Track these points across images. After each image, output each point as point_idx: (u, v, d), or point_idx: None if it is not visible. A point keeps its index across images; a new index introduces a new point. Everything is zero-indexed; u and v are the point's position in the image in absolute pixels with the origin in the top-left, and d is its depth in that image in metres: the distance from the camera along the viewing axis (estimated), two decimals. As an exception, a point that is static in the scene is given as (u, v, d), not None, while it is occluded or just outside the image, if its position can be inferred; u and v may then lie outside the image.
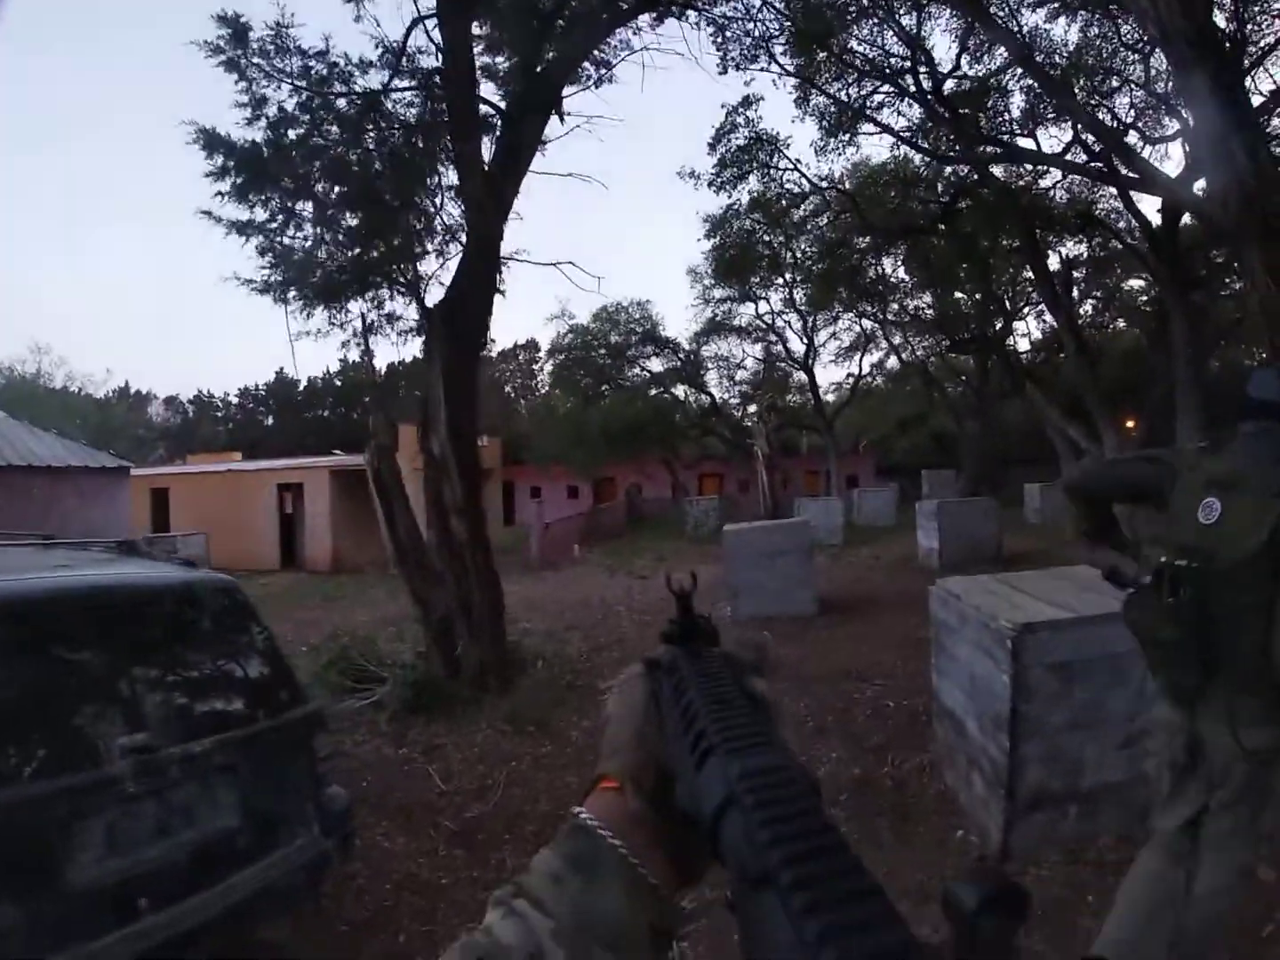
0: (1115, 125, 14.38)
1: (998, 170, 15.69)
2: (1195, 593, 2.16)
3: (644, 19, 8.79)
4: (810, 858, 0.35)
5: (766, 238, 20.61)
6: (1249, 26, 11.17)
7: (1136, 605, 2.44)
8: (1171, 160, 13.33)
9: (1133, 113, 14.79)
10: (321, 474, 21.44)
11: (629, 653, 8.50)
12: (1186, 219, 13.97)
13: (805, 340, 28.46)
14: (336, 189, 7.65)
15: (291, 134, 7.49)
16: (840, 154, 15.36)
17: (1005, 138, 15.49)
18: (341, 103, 7.61)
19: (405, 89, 7.79)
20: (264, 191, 7.33)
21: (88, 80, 78.30)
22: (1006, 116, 14.51)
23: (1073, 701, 3.50)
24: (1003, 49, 12.92)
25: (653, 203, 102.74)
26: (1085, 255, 19.92)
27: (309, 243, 7.64)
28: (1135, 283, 22.64)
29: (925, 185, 17.44)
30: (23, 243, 75.32)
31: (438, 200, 8.05)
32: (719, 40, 12.47)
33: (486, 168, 7.21)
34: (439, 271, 8.12)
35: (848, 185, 18.09)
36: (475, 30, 7.60)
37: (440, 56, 7.38)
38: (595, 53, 8.51)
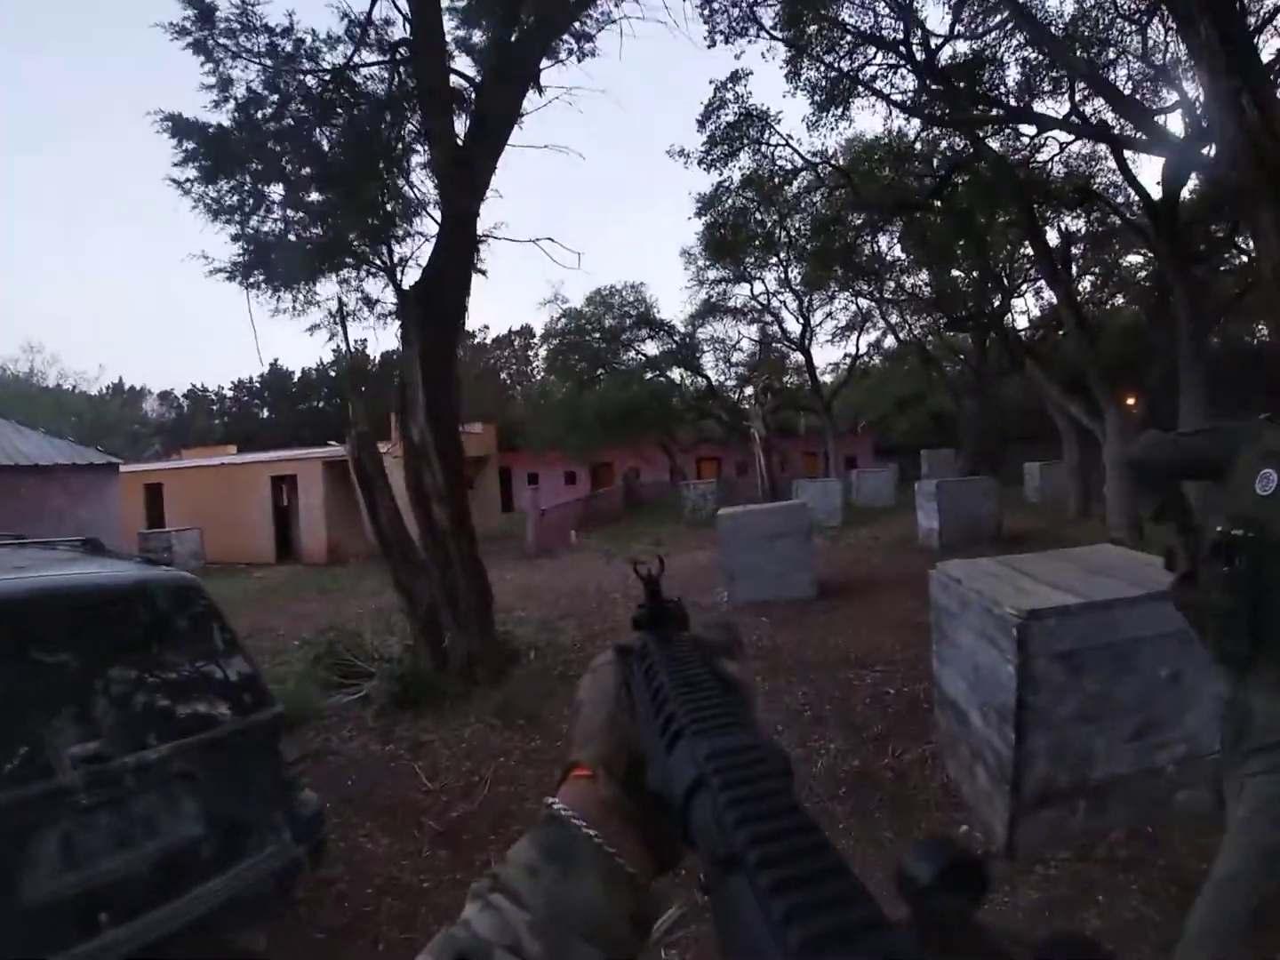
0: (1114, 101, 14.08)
1: (994, 144, 15.41)
2: (1250, 562, 2.17)
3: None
4: (777, 837, 0.34)
5: (760, 216, 20.33)
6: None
7: (1185, 585, 2.44)
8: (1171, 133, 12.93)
9: (1130, 85, 14.48)
10: (315, 465, 21.19)
11: (623, 641, 8.32)
12: (1186, 193, 13.75)
13: (801, 320, 28.23)
14: (304, 168, 7.40)
15: (258, 114, 7.26)
16: (833, 129, 15.05)
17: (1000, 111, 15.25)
18: (311, 80, 7.36)
19: (373, 64, 7.56)
20: (231, 174, 7.09)
21: (72, 76, 77.47)
22: (1002, 89, 14.20)
23: (1081, 692, 3.31)
24: (997, 17, 12.65)
25: (647, 186, 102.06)
26: (1084, 230, 19.66)
27: (278, 224, 7.40)
28: (1134, 258, 22.36)
29: (920, 159, 17.12)
30: (10, 240, 74.68)
31: (412, 177, 7.81)
32: (706, 11, 12.17)
33: (461, 142, 6.97)
34: (417, 253, 7.88)
35: (841, 161, 17.80)
36: (446, 1, 7.35)
37: (408, 26, 7.16)
38: (576, 25, 8.23)
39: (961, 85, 13.03)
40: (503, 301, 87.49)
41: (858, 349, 30.06)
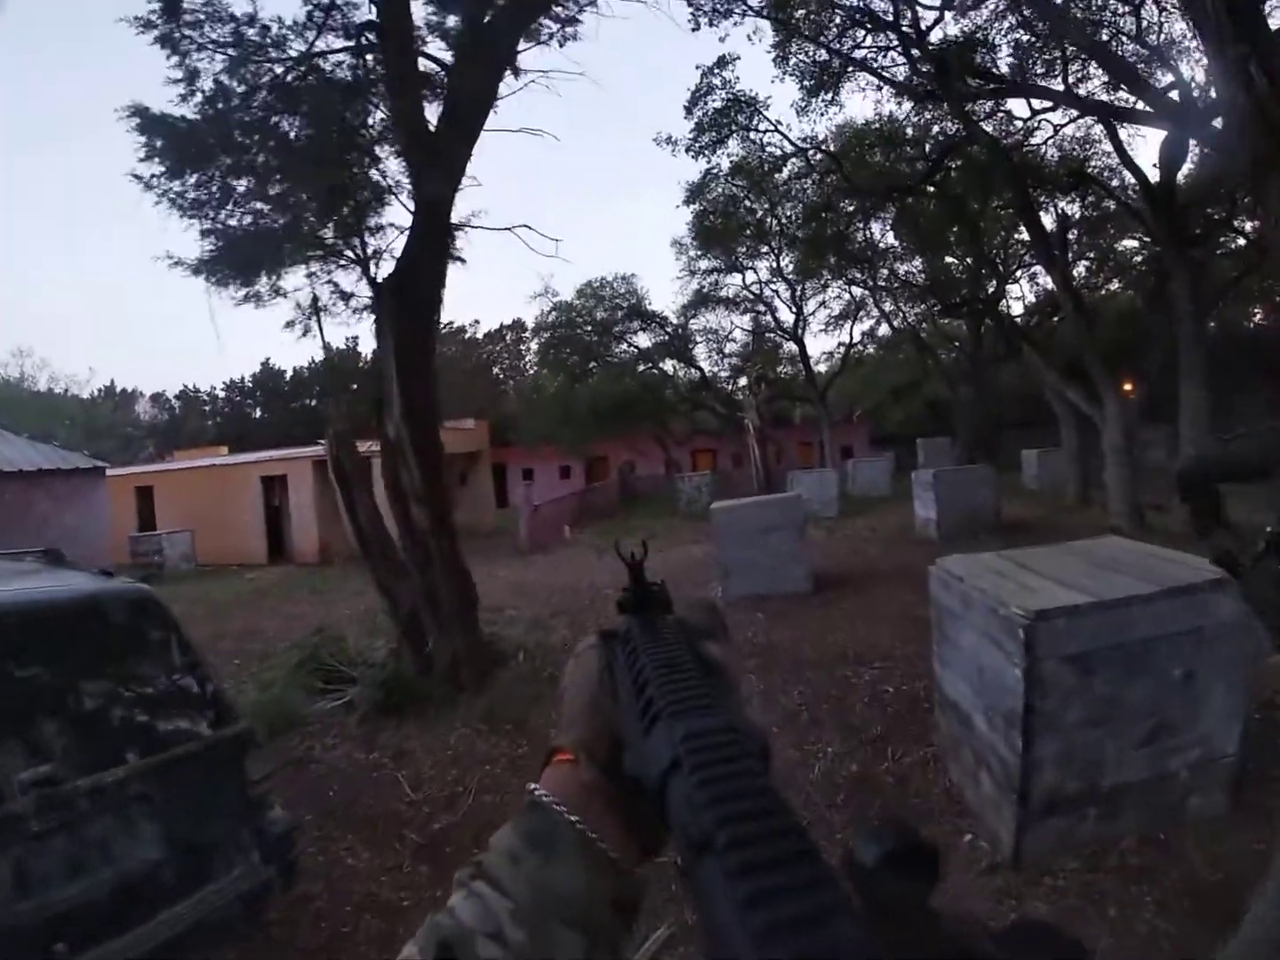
0: (1107, 82, 13.90)
1: (987, 128, 15.19)
2: None
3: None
4: (747, 819, 0.34)
5: (750, 204, 20.10)
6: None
7: (1253, 577, 2.42)
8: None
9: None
10: (305, 464, 20.95)
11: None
12: (1182, 177, 13.55)
13: (794, 309, 27.98)
14: (271, 158, 7.19)
15: (224, 105, 7.07)
16: (823, 114, 14.86)
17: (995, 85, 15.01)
18: (278, 69, 7.15)
19: (339, 50, 7.33)
20: (198, 167, 6.88)
21: (59, 74, 76.70)
22: (995, 72, 13.98)
23: (1091, 695, 3.13)
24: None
25: (638, 175, 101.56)
26: (1079, 215, 19.50)
27: (245, 216, 7.19)
28: (1129, 243, 22.19)
29: (912, 144, 16.91)
30: (-1, 243, 73.94)
31: (384, 165, 7.59)
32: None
33: (433, 128, 6.74)
34: (392, 246, 7.66)
35: (832, 148, 17.55)
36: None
37: (373, 9, 6.93)
38: (558, 9, 7.99)
39: (954, 68, 12.79)
40: (495, 295, 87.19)
41: (851, 337, 29.83)
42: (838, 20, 13.19)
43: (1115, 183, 17.13)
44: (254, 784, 3.29)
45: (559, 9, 7.98)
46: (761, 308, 29.14)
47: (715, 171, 17.50)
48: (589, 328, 29.57)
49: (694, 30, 12.36)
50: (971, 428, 24.65)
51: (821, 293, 27.45)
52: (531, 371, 41.19)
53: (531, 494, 19.98)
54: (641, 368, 30.85)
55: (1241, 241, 17.60)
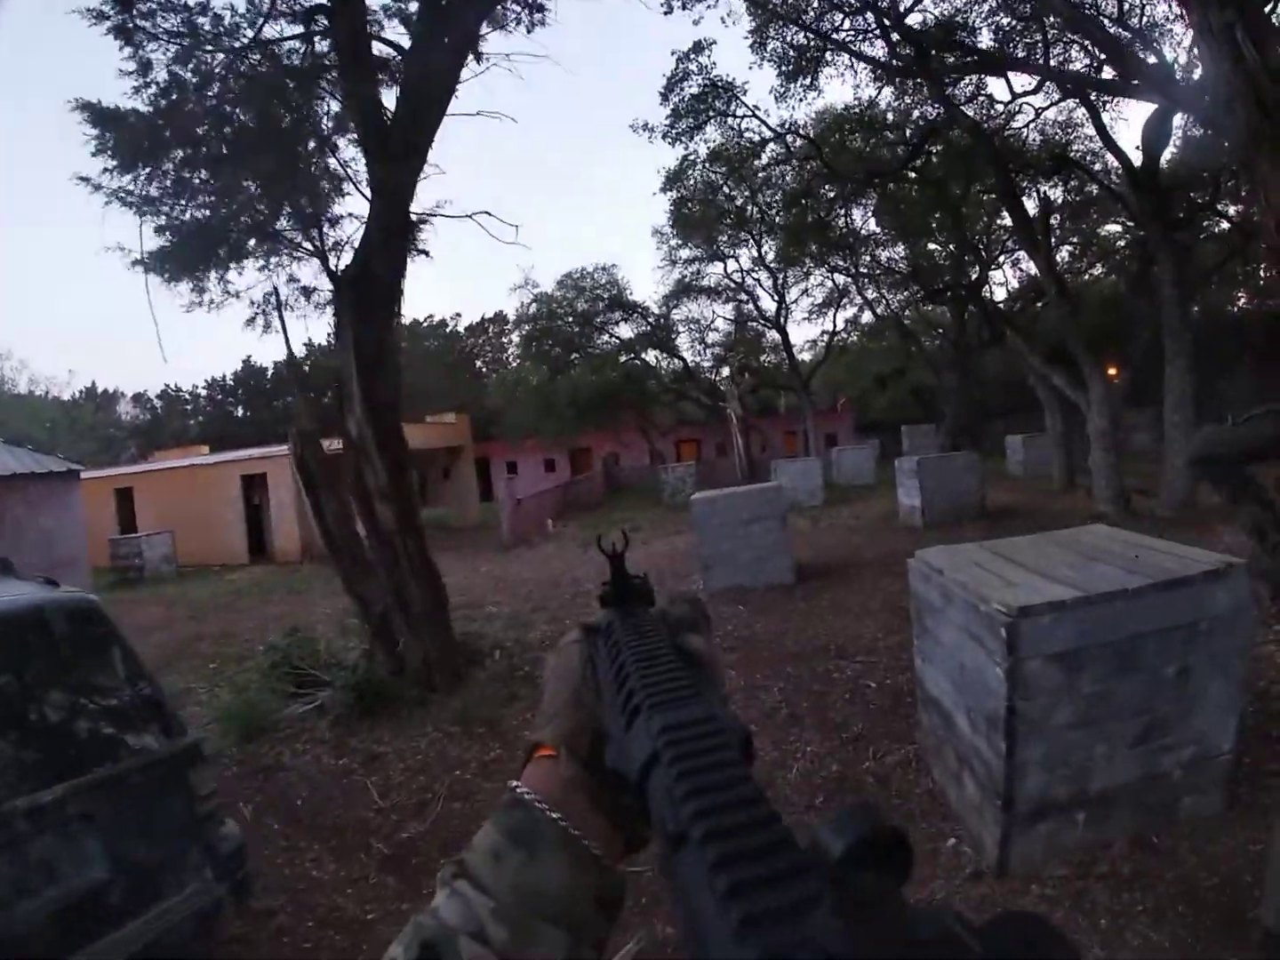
0: (1089, 64, 13.74)
1: (968, 112, 14.99)
2: None
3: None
4: (725, 810, 0.34)
5: (730, 191, 19.86)
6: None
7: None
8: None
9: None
10: (284, 463, 20.51)
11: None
12: (1165, 161, 13.43)
13: (776, 298, 27.75)
14: (224, 148, 6.95)
15: (175, 96, 6.86)
16: (802, 99, 14.63)
17: (974, 78, 14.83)
18: (228, 57, 6.92)
19: (291, 38, 7.06)
20: (149, 160, 6.65)
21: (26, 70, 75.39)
22: (975, 47, 13.75)
23: (1078, 695, 2.95)
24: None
25: (620, 164, 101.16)
26: (1062, 200, 19.39)
27: (196, 209, 6.95)
28: (1113, 228, 22.11)
29: (892, 129, 16.70)
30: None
31: (341, 154, 7.34)
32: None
33: (391, 114, 6.50)
34: (353, 238, 7.42)
35: (811, 134, 17.32)
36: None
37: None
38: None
39: (934, 52, 12.57)
40: (478, 288, 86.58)
41: (834, 325, 29.62)
42: (815, 3, 12.94)
43: (1098, 166, 17.01)
44: (203, 799, 3.19)
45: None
46: (744, 297, 28.89)
47: (692, 158, 17.26)
48: (570, 319, 29.30)
49: (666, 14, 12.09)
50: (956, 414, 24.54)
51: (804, 280, 27.24)
52: (515, 364, 40.85)
53: (514, 487, 19.75)
54: (624, 358, 30.58)
55: (1226, 225, 17.54)
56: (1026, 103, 15.40)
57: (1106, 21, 13.39)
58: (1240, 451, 2.81)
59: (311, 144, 7.15)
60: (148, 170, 6.82)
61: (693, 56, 14.46)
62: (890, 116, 16.68)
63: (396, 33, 7.50)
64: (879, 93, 15.74)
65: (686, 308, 29.73)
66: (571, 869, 0.50)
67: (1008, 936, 0.26)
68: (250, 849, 4.40)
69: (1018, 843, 3.10)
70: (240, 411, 52.20)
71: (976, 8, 13.44)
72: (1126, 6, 13.03)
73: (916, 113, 16.34)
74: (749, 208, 21.13)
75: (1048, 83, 14.15)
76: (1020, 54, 14.10)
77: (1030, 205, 16.16)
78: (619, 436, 32.57)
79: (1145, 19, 13.35)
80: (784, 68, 13.90)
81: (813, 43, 13.32)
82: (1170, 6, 12.67)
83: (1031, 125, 16.66)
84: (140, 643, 10.96)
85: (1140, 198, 12.36)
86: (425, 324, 49.44)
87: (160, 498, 22.01)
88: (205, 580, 17.75)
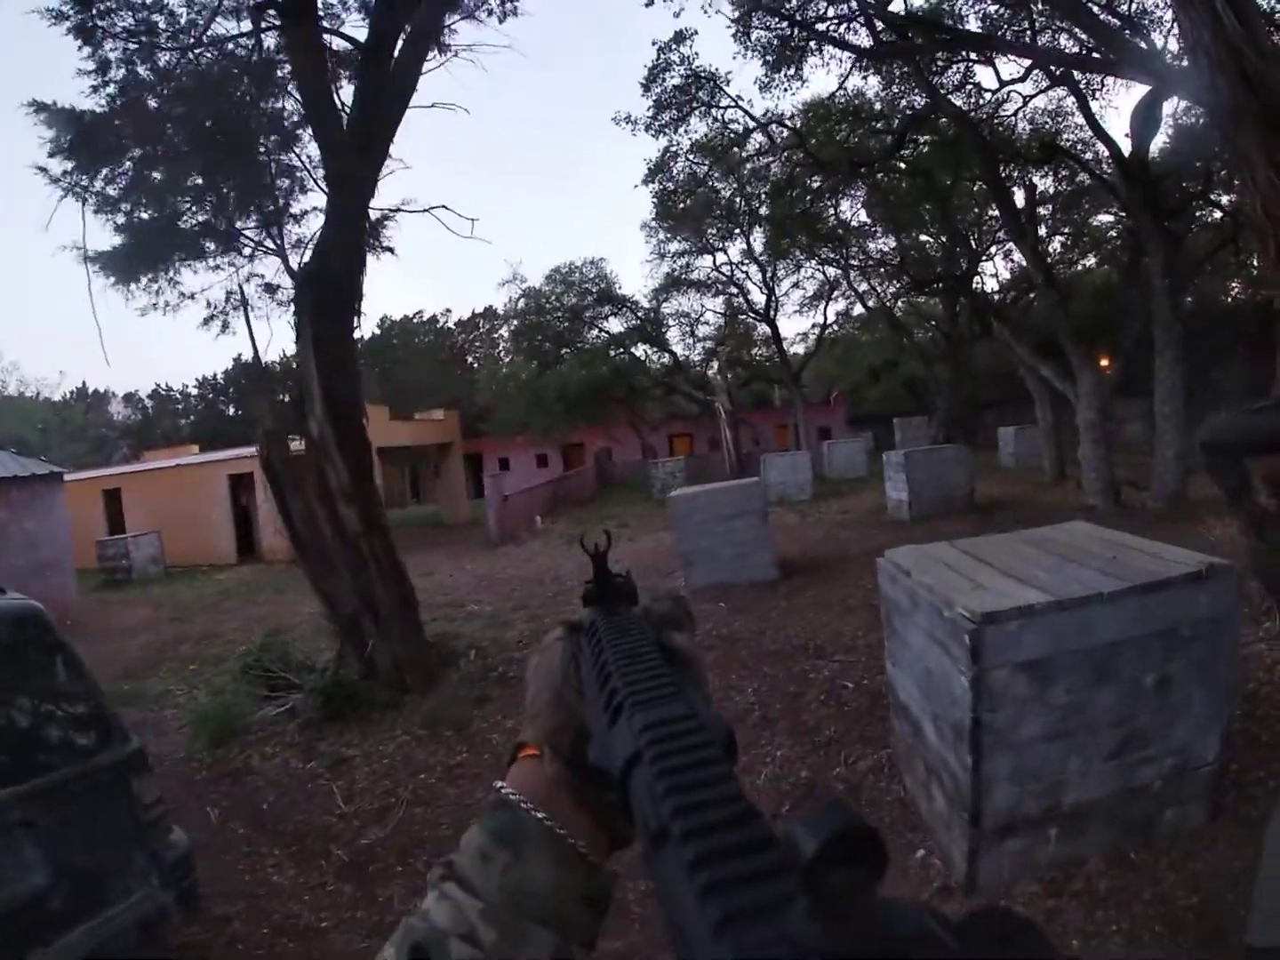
0: (1078, 49, 13.53)
1: (956, 101, 14.78)
2: None
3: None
4: (705, 807, 0.34)
5: (718, 185, 19.65)
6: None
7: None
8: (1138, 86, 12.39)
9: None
10: (269, 461, 20.52)
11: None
12: (1156, 149, 13.29)
13: (765, 291, 27.52)
14: (177, 145, 6.79)
15: (132, 94, 6.76)
16: (786, 89, 14.36)
17: (961, 66, 14.63)
18: (176, 55, 6.79)
19: (241, 35, 6.89)
20: (102, 160, 6.50)
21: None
22: (960, 29, 13.53)
23: (1050, 706, 2.77)
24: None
25: (610, 160, 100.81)
26: (1053, 190, 19.20)
27: (150, 207, 6.79)
28: (1104, 218, 21.97)
29: (879, 118, 16.48)
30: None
31: (300, 150, 7.17)
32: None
33: (349, 108, 6.32)
34: (317, 233, 7.23)
35: (799, 124, 17.07)
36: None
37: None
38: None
39: (920, 43, 12.35)
40: (468, 284, 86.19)
41: (825, 318, 29.41)
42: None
43: (1089, 156, 16.83)
44: (147, 806, 3.19)
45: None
46: (733, 290, 28.68)
47: (675, 150, 17.02)
48: (559, 314, 29.07)
49: (648, 4, 11.84)
50: (949, 406, 24.40)
51: (795, 273, 27.02)
52: (506, 359, 40.62)
53: (501, 484, 19.54)
54: (613, 353, 30.36)
55: (1219, 215, 17.39)
56: (1014, 90, 15.22)
57: (1095, 8, 13.24)
58: (1247, 441, 2.73)
59: (270, 140, 6.97)
60: (104, 169, 6.68)
61: (674, 47, 14.20)
62: (878, 106, 16.48)
63: (355, 26, 7.33)
64: (865, 81, 15.54)
65: (676, 301, 29.52)
66: (558, 868, 0.50)
67: (984, 932, 0.25)
68: (213, 854, 4.38)
69: (986, 858, 2.94)
70: (232, 410, 52.02)
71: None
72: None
73: (904, 102, 16.15)
74: (736, 199, 20.90)
75: (1035, 70, 13.93)
76: (1008, 40, 13.92)
77: (1019, 194, 16.02)
78: (611, 431, 32.41)
79: (1135, 4, 13.18)
80: (768, 58, 13.67)
81: (796, 33, 13.08)
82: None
83: (1020, 114, 16.50)
84: (124, 644, 10.86)
85: (1130, 187, 12.18)
86: (415, 319, 49.22)
87: (148, 498, 21.88)
88: (192, 581, 17.67)
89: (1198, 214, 17.27)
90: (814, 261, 25.09)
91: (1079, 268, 25.39)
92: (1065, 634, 2.74)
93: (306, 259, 7.09)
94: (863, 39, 13.19)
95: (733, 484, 9.97)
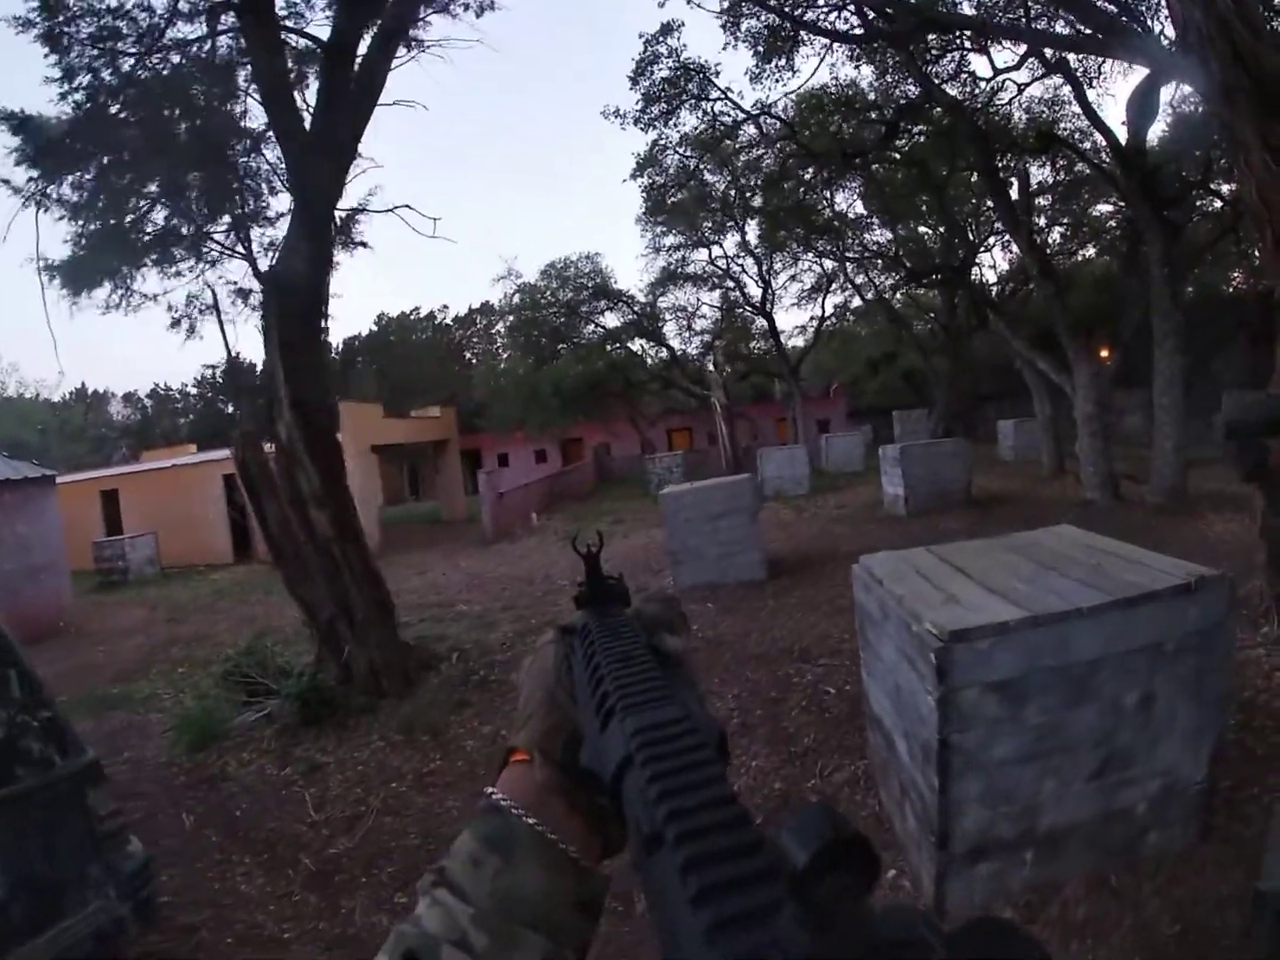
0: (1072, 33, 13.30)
1: (951, 91, 14.55)
2: None
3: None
4: (697, 811, 0.34)
5: (710, 177, 19.45)
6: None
7: None
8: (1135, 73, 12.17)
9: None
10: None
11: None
12: (1154, 137, 13.08)
13: (762, 284, 27.28)
14: (141, 150, 6.68)
15: (97, 100, 6.70)
16: (778, 80, 14.10)
17: (956, 55, 14.39)
18: (147, 58, 6.68)
19: (199, 39, 6.75)
20: (67, 166, 6.39)
21: None
22: (954, 14, 13.30)
23: (1023, 727, 2.61)
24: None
25: (604, 154, 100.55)
26: (1050, 180, 18.98)
27: (115, 214, 6.68)
28: (1103, 208, 21.76)
29: (872, 108, 16.24)
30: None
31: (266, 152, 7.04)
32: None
33: (314, 109, 6.17)
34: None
35: (791, 115, 16.84)
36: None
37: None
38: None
39: (911, 23, 12.11)
40: (464, 280, 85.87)
41: (823, 311, 29.17)
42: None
43: (1087, 145, 16.60)
44: (103, 818, 3.19)
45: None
46: (730, 283, 28.44)
47: (663, 143, 16.81)
48: (554, 309, 28.88)
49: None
50: (948, 399, 24.21)
51: (792, 266, 26.79)
52: (504, 355, 40.46)
53: (496, 480, 19.36)
54: (610, 347, 30.14)
55: (1219, 204, 17.18)
56: (1009, 79, 14.98)
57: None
58: (1267, 423, 2.70)
59: (234, 143, 6.84)
60: (67, 176, 6.58)
61: (661, 39, 13.97)
62: (871, 96, 16.25)
63: (320, 25, 7.21)
64: (858, 71, 15.30)
65: (672, 295, 29.29)
66: (549, 873, 0.49)
67: (976, 940, 0.26)
68: (186, 861, 4.42)
69: (955, 881, 2.79)
70: (230, 409, 51.98)
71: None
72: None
73: (897, 91, 15.92)
74: (731, 192, 20.68)
75: (1030, 58, 13.70)
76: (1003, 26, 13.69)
77: (1015, 189, 15.81)
78: (610, 426, 32.20)
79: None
80: (759, 48, 13.46)
81: (785, 23, 12.86)
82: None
83: (1016, 103, 16.26)
84: (118, 646, 10.76)
85: (1128, 176, 11.98)
86: (412, 316, 49.11)
87: (145, 499, 21.79)
88: (188, 581, 17.63)
89: (1198, 203, 17.07)
90: (810, 254, 24.87)
91: (1079, 258, 25.16)
92: (1041, 651, 2.58)
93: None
94: (854, 28, 12.99)
95: (722, 481, 9.81)
